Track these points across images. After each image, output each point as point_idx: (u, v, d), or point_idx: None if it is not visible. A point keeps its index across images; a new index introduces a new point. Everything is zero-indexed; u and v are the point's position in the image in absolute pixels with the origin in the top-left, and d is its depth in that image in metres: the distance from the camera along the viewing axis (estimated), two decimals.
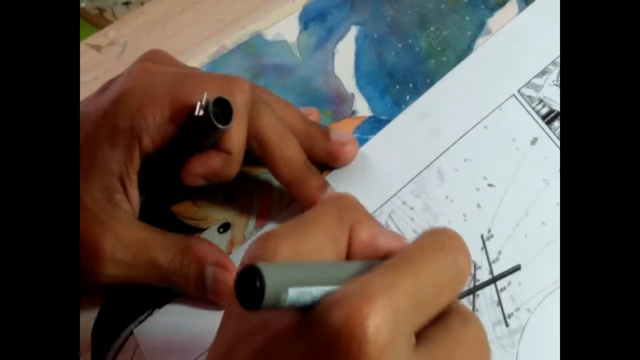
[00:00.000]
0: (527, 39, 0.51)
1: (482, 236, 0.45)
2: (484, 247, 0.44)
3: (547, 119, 0.48)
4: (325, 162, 0.47)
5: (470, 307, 0.43)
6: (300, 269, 0.28)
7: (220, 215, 0.47)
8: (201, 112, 0.40)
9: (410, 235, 0.45)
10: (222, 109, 0.40)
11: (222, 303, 0.43)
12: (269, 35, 0.54)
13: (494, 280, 0.44)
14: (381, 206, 0.46)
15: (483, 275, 0.44)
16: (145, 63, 0.45)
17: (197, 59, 0.53)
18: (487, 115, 0.49)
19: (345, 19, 0.54)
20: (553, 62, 0.50)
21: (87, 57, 0.55)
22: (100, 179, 0.42)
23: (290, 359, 0.28)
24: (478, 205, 0.46)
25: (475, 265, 0.44)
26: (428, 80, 0.51)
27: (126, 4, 0.86)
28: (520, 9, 0.53)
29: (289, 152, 0.44)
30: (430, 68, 0.51)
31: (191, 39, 0.54)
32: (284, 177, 0.44)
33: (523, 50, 0.51)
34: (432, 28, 0.53)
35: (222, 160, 0.42)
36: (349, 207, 0.32)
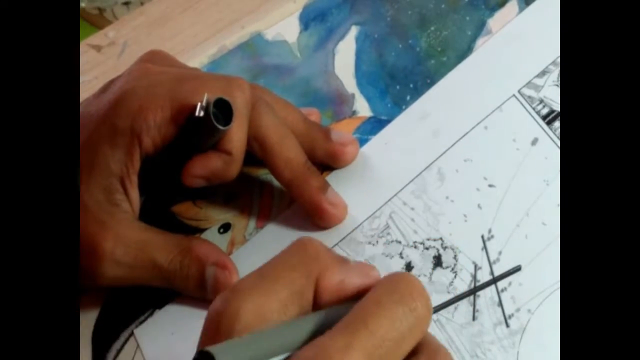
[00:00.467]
0: (528, 39, 0.51)
1: (482, 236, 0.45)
2: (485, 247, 0.44)
3: (548, 119, 0.48)
4: (326, 162, 0.47)
5: (471, 308, 0.43)
6: (255, 344, 0.28)
7: (220, 215, 0.47)
8: (201, 113, 0.40)
9: (410, 237, 0.45)
10: (222, 110, 0.40)
11: None
12: (269, 35, 0.54)
13: (494, 280, 0.44)
14: (381, 207, 0.46)
15: (484, 276, 0.44)
16: (145, 64, 0.45)
17: (197, 59, 0.53)
18: (488, 116, 0.49)
19: (345, 19, 0.54)
20: (553, 63, 0.50)
21: (87, 57, 0.55)
22: (100, 179, 0.42)
23: None
24: (478, 206, 0.46)
25: (476, 266, 0.44)
26: (428, 81, 0.51)
27: (126, 4, 0.86)
28: (521, 9, 0.52)
29: (289, 153, 0.44)
30: (430, 68, 0.51)
31: (191, 39, 0.54)
32: (285, 178, 0.44)
33: (523, 51, 0.51)
34: (432, 28, 0.53)
35: (223, 161, 0.42)
36: (313, 257, 0.31)
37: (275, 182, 0.47)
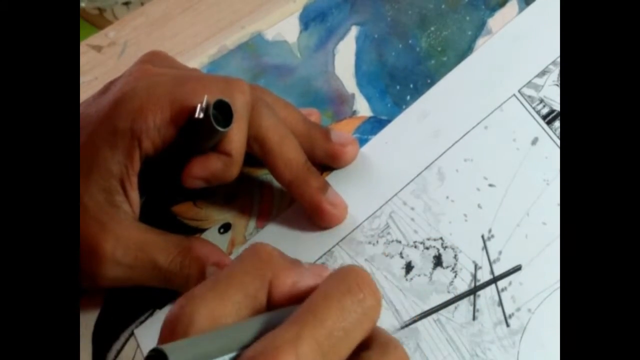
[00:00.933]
0: (528, 39, 0.51)
1: (482, 236, 0.45)
2: (485, 247, 0.44)
3: (548, 119, 0.48)
4: (326, 162, 0.47)
5: (471, 308, 0.43)
6: (206, 342, 0.29)
7: (220, 216, 0.47)
8: (201, 115, 0.40)
9: (411, 237, 0.45)
10: (222, 112, 0.40)
11: None
12: (270, 35, 0.54)
13: (494, 280, 0.44)
14: (382, 206, 0.46)
15: (484, 276, 0.44)
16: (145, 65, 0.45)
17: (197, 59, 0.53)
18: (488, 116, 0.49)
19: (345, 19, 0.54)
20: (553, 62, 0.50)
21: (87, 58, 0.55)
22: (100, 180, 0.42)
23: None
24: (479, 206, 0.46)
25: (476, 266, 0.44)
26: (428, 81, 0.51)
27: (126, 4, 0.86)
28: (521, 9, 0.52)
29: (289, 153, 0.44)
30: (430, 68, 0.51)
31: (191, 40, 0.54)
32: (285, 178, 0.44)
33: (523, 50, 0.51)
34: (432, 28, 0.53)
35: (222, 163, 0.42)
36: (265, 260, 0.32)
37: (275, 183, 0.47)
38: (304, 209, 0.45)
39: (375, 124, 0.50)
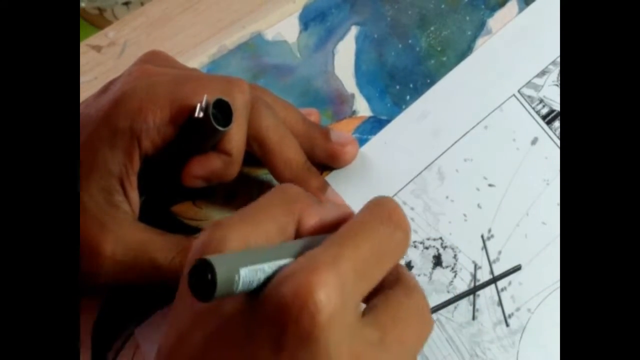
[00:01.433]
0: (528, 39, 0.51)
1: (482, 236, 0.45)
2: (485, 247, 0.44)
3: (548, 119, 0.48)
4: (326, 162, 0.47)
5: (471, 307, 0.43)
6: (249, 255, 0.29)
7: (220, 215, 0.47)
8: (201, 114, 0.40)
9: (411, 236, 0.45)
10: (222, 111, 0.40)
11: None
12: (269, 35, 0.54)
13: (494, 280, 0.44)
14: None
15: (483, 275, 0.44)
16: (145, 64, 0.45)
17: (197, 59, 0.53)
18: (488, 115, 0.49)
19: (345, 19, 0.54)
20: (553, 62, 0.50)
21: (87, 58, 0.55)
22: (100, 180, 0.42)
23: (243, 338, 0.29)
24: (478, 205, 0.46)
25: (476, 265, 0.44)
26: (428, 80, 0.51)
27: (126, 4, 0.86)
28: (521, 9, 0.52)
29: (289, 153, 0.44)
30: (430, 68, 0.51)
31: (191, 39, 0.54)
32: (284, 178, 0.44)
33: (523, 50, 0.51)
34: (432, 28, 0.53)
35: (222, 162, 0.42)
36: (294, 196, 0.33)
37: (275, 182, 0.46)
38: None
39: (375, 124, 0.50)
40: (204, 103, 0.40)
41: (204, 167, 0.42)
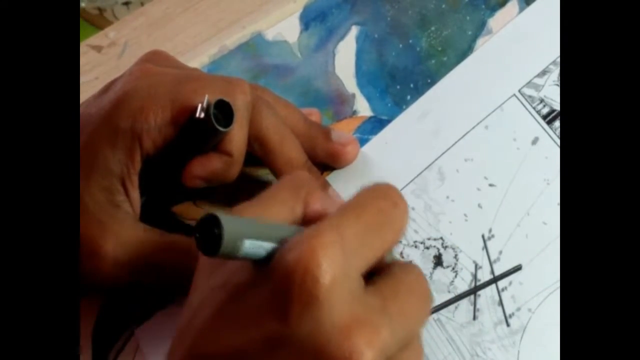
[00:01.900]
0: (528, 39, 0.51)
1: (483, 236, 0.45)
2: (485, 247, 0.44)
3: (548, 118, 0.48)
4: (326, 162, 0.47)
5: (472, 307, 0.43)
6: (257, 225, 0.30)
7: None
8: (202, 115, 0.40)
9: (411, 237, 0.45)
10: (223, 111, 0.40)
11: None
12: (270, 35, 0.54)
13: (495, 280, 0.44)
14: None
15: (484, 275, 0.44)
16: (146, 64, 0.45)
17: (197, 60, 0.53)
18: (488, 115, 0.49)
19: (345, 19, 0.54)
20: (554, 62, 0.50)
21: (88, 58, 0.55)
22: (101, 180, 0.42)
23: (251, 307, 0.30)
24: (479, 205, 0.46)
25: (476, 265, 0.44)
26: (429, 80, 0.51)
27: (126, 4, 0.86)
28: (521, 9, 0.52)
29: (290, 153, 0.44)
30: (431, 68, 0.51)
31: (191, 40, 0.54)
32: None
33: (524, 50, 0.51)
34: (432, 28, 0.53)
35: (223, 162, 0.42)
36: (302, 181, 0.34)
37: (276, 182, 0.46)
38: None
39: (376, 124, 0.50)
40: (205, 103, 0.40)
41: (205, 167, 0.42)
